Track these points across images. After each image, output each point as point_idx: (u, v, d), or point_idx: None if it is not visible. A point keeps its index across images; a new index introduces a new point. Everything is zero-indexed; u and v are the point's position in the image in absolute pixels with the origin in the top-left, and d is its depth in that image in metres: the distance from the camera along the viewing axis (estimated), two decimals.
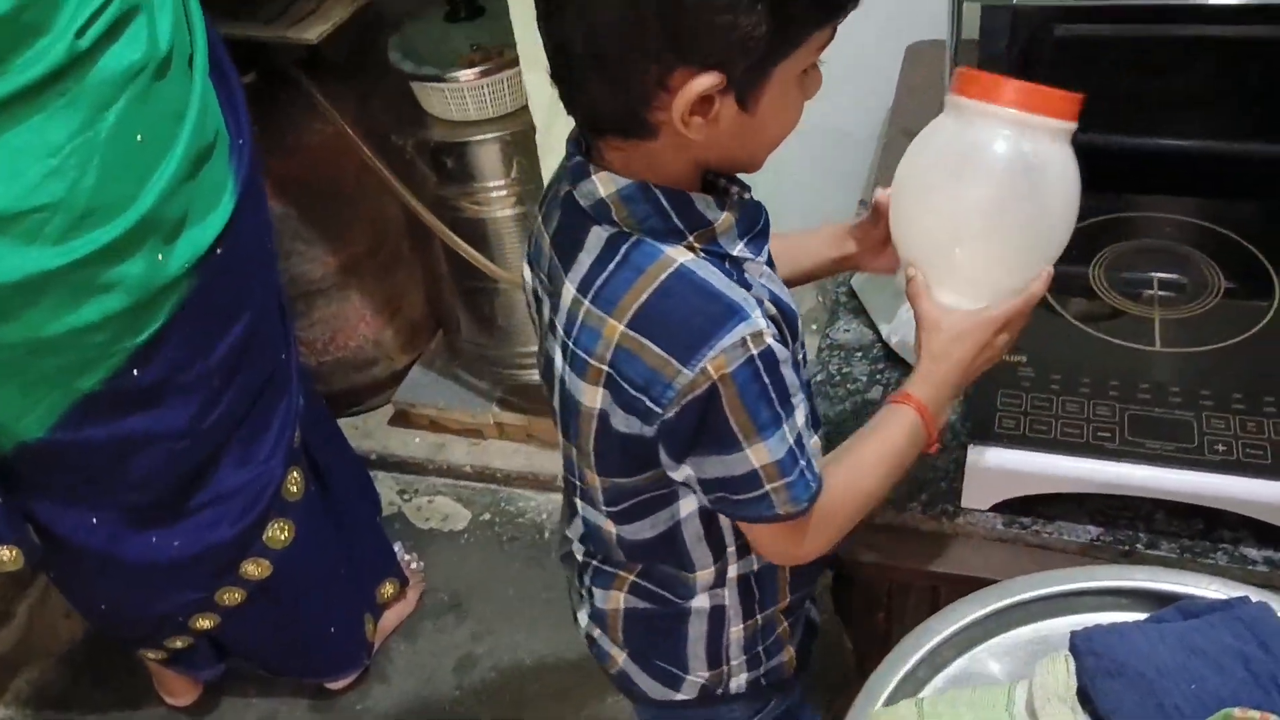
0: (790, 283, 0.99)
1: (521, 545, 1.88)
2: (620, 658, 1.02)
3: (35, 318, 1.11)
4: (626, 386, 0.76)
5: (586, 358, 0.77)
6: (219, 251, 1.22)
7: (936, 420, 0.89)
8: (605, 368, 0.76)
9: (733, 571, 0.94)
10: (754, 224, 0.80)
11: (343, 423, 2.08)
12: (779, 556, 0.91)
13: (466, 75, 1.63)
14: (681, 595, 0.94)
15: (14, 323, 1.11)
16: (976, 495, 1.13)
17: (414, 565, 1.83)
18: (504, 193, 1.75)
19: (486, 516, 1.94)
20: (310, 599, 1.56)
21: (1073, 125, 0.84)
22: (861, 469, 0.87)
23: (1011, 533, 1.12)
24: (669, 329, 0.74)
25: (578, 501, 0.93)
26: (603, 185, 0.75)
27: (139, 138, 1.12)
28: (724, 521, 0.88)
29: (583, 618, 1.04)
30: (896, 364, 1.31)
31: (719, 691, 1.00)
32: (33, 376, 1.17)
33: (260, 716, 1.70)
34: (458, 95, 1.65)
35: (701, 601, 0.94)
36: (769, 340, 0.74)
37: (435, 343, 2.15)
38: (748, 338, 0.73)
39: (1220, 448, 1.06)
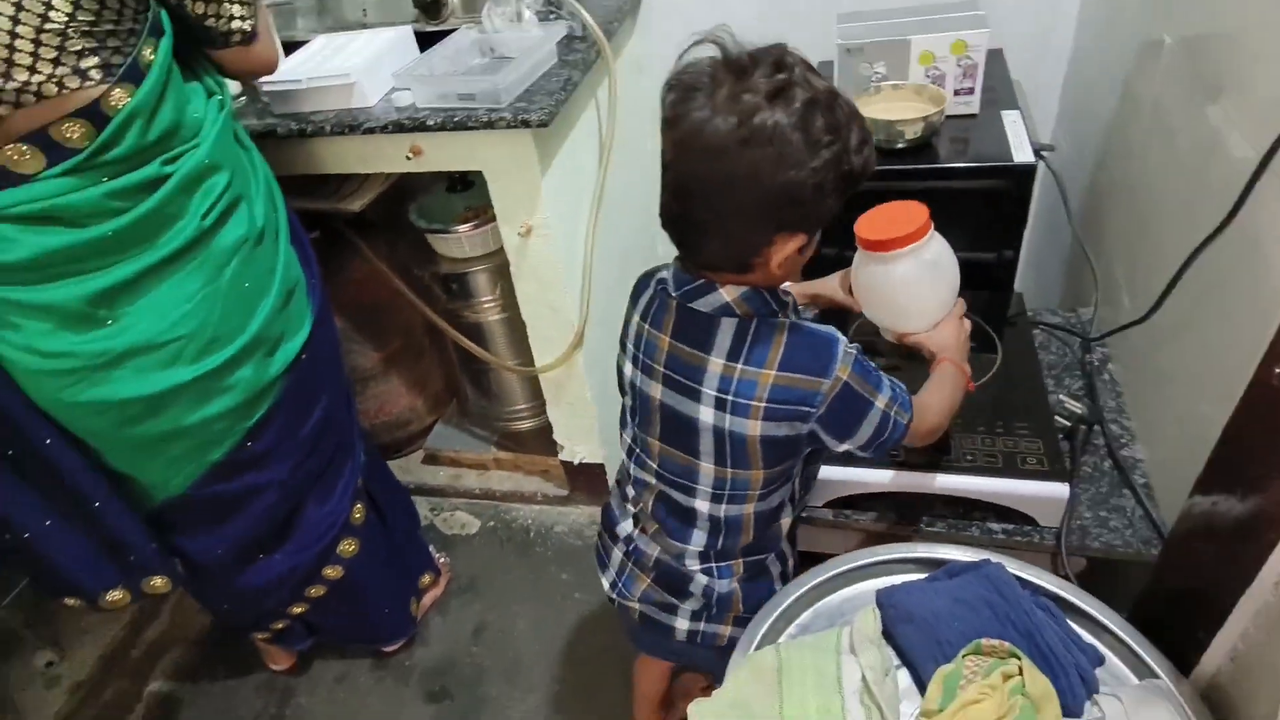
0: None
1: (515, 544, 1.85)
2: (728, 630, 0.97)
3: (176, 413, 1.09)
4: (783, 407, 0.80)
5: (747, 402, 0.80)
6: (304, 357, 1.21)
7: (967, 370, 0.99)
8: (764, 404, 0.80)
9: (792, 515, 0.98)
10: (796, 307, 0.87)
11: (391, 464, 2.05)
12: (920, 437, 0.91)
13: (463, 228, 1.63)
14: (773, 546, 0.96)
15: (161, 418, 1.09)
16: (815, 497, 1.14)
17: (443, 560, 1.79)
18: (492, 304, 1.74)
19: (491, 524, 1.90)
20: (371, 590, 1.51)
21: (931, 232, 1.00)
22: (935, 391, 0.96)
23: (839, 520, 1.14)
24: (802, 363, 0.79)
25: (722, 509, 0.89)
26: (727, 293, 0.79)
27: (246, 285, 1.11)
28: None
29: (682, 624, 0.97)
30: None
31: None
32: (175, 453, 1.14)
33: (337, 674, 1.64)
34: (457, 242, 1.65)
35: (775, 554, 0.97)
36: (853, 345, 0.82)
37: (451, 407, 2.12)
38: (844, 349, 0.80)
39: (969, 457, 1.09)
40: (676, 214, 0.75)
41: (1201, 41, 1.03)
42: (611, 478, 1.74)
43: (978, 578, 0.84)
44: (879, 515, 1.13)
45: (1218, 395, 0.86)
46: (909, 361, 1.16)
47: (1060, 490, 1.04)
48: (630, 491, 0.98)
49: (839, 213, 0.76)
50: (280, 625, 1.48)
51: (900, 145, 1.34)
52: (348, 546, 1.40)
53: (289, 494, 1.28)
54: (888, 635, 0.82)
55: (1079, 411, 1.19)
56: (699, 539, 0.92)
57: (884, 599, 0.85)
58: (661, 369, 0.85)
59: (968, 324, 1.05)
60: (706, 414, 0.83)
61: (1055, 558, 1.06)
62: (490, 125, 1.26)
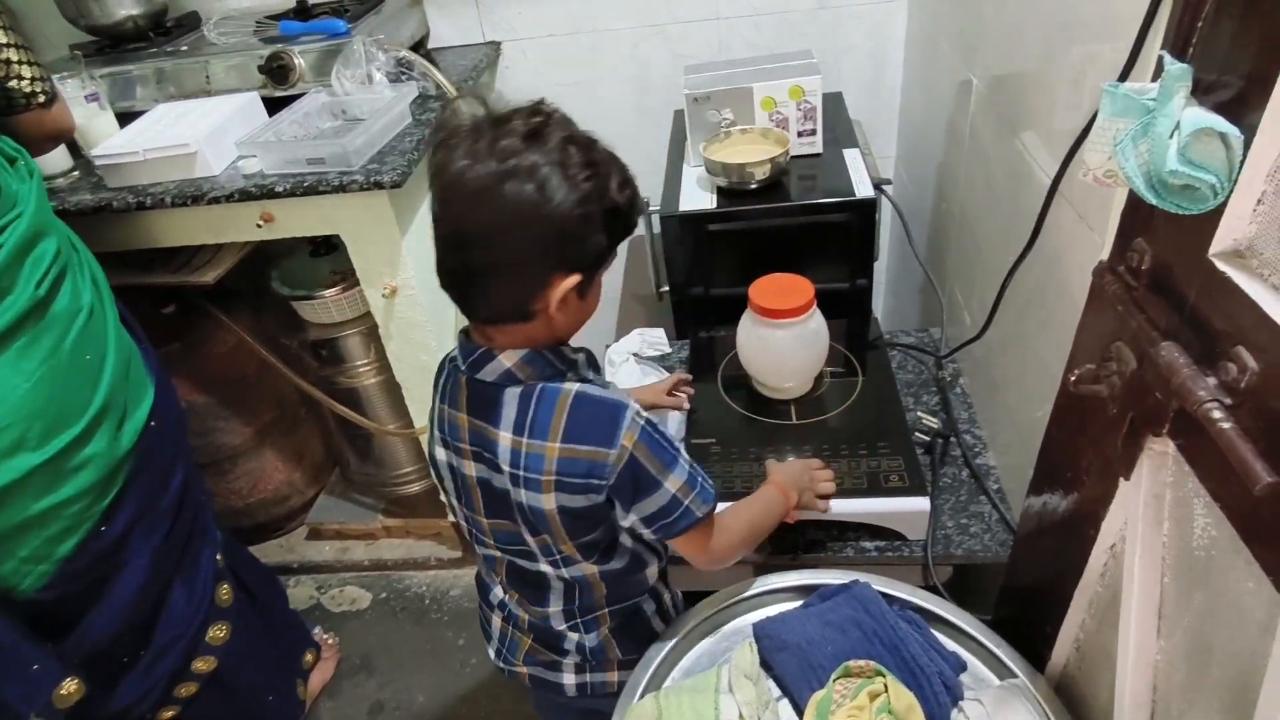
0: None
1: (410, 613, 1.78)
2: (615, 676, 0.94)
3: (25, 502, 1.00)
4: (572, 479, 0.76)
5: (536, 476, 0.77)
6: (153, 425, 1.15)
7: (791, 499, 1.00)
8: (553, 477, 0.77)
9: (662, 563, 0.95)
10: (592, 362, 0.84)
11: (269, 544, 1.95)
12: (702, 557, 0.87)
13: (330, 293, 1.59)
14: (638, 591, 0.93)
15: (9, 509, 1.00)
16: None
17: (330, 640, 1.69)
18: (367, 368, 1.70)
19: (383, 595, 1.83)
20: (249, 678, 1.41)
21: (814, 308, 1.18)
22: (745, 509, 0.94)
23: None
24: (586, 433, 0.76)
25: (564, 572, 0.86)
26: (507, 360, 0.77)
27: (87, 357, 1.05)
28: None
29: (569, 679, 0.95)
30: None
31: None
32: (23, 552, 1.03)
33: None
34: (324, 306, 1.60)
35: (648, 597, 0.95)
36: (643, 412, 0.78)
37: (333, 477, 2.04)
38: (633, 415, 0.76)
39: (838, 481, 1.12)
40: (452, 267, 0.73)
41: (1003, 81, 1.13)
42: None
43: (847, 599, 0.87)
44: (758, 548, 1.15)
45: (1045, 400, 0.92)
46: (780, 417, 1.25)
47: (922, 504, 1.09)
48: (485, 561, 0.96)
49: (610, 249, 0.76)
50: None
51: (753, 186, 1.40)
52: (217, 633, 1.31)
53: (153, 578, 1.19)
54: (767, 666, 0.83)
55: (935, 425, 1.26)
56: (555, 602, 0.90)
57: (760, 631, 0.86)
58: (469, 446, 0.82)
59: (823, 475, 1.08)
60: (510, 488, 0.80)
61: (924, 569, 1.10)
62: (342, 189, 1.24)
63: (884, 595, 0.90)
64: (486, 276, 0.72)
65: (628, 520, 0.81)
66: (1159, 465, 0.61)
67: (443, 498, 0.96)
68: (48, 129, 1.11)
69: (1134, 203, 0.62)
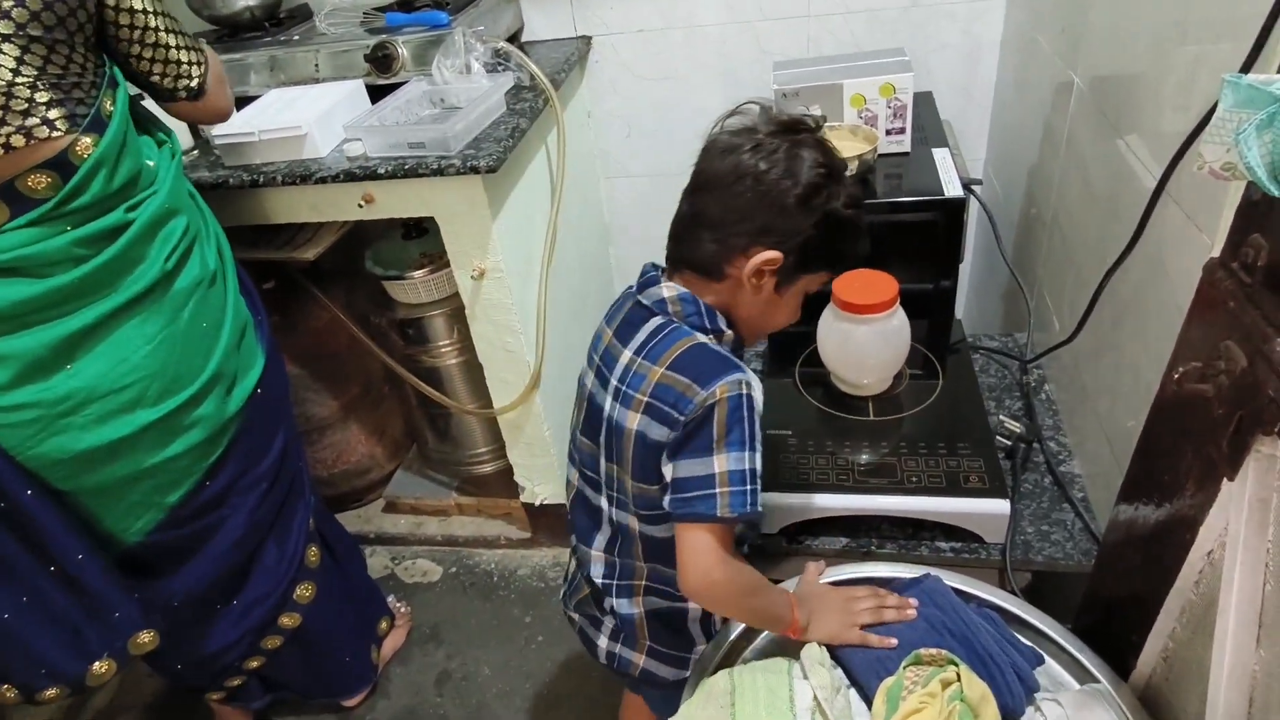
0: None
1: (478, 589, 1.83)
2: (641, 660, 0.95)
3: (139, 455, 1.09)
4: (660, 405, 0.78)
5: (633, 393, 0.80)
6: (259, 392, 1.22)
7: (799, 615, 0.85)
8: (646, 398, 0.79)
9: None
10: (739, 350, 0.87)
11: (348, 514, 2.03)
12: (698, 573, 0.77)
13: (419, 274, 1.65)
14: (681, 598, 0.90)
15: (124, 460, 1.08)
16: (768, 524, 1.16)
17: (403, 609, 1.76)
18: (449, 349, 1.75)
19: (454, 570, 1.88)
20: (330, 637, 1.48)
21: (897, 305, 1.17)
22: (759, 579, 0.84)
23: (794, 547, 1.16)
24: (693, 368, 0.78)
25: (613, 512, 0.87)
26: (667, 290, 0.82)
27: (204, 325, 1.13)
28: None
29: (603, 642, 0.96)
30: None
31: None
32: (134, 498, 1.12)
33: None
34: (413, 287, 1.66)
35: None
36: (756, 392, 0.78)
37: (411, 453, 2.10)
38: (744, 381, 0.77)
39: (914, 479, 1.12)
40: (685, 211, 0.81)
41: (1107, 81, 1.10)
42: None
43: (917, 592, 0.86)
44: (829, 540, 1.15)
45: (1137, 409, 0.90)
46: (858, 413, 1.24)
47: (1002, 507, 1.07)
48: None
49: (818, 251, 0.80)
50: (236, 682, 1.44)
51: None
52: (304, 591, 1.38)
53: (250, 533, 1.27)
54: (836, 658, 0.83)
55: (1018, 430, 1.23)
56: (600, 541, 0.93)
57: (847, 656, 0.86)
58: (599, 360, 0.88)
59: (865, 604, 0.87)
60: (609, 404, 0.84)
61: (1001, 573, 1.08)
62: (440, 172, 1.28)
63: (961, 593, 0.89)
64: (703, 220, 0.79)
65: (666, 470, 0.77)
66: (1267, 467, 0.59)
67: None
68: (200, 117, 1.19)
69: (1251, 198, 0.60)
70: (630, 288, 0.88)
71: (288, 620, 1.38)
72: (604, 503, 0.90)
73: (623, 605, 0.93)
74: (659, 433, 0.79)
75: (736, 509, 0.75)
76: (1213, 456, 0.64)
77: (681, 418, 0.76)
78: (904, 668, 0.76)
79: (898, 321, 1.20)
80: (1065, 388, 1.29)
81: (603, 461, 0.87)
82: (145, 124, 1.12)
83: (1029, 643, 0.85)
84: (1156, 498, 0.76)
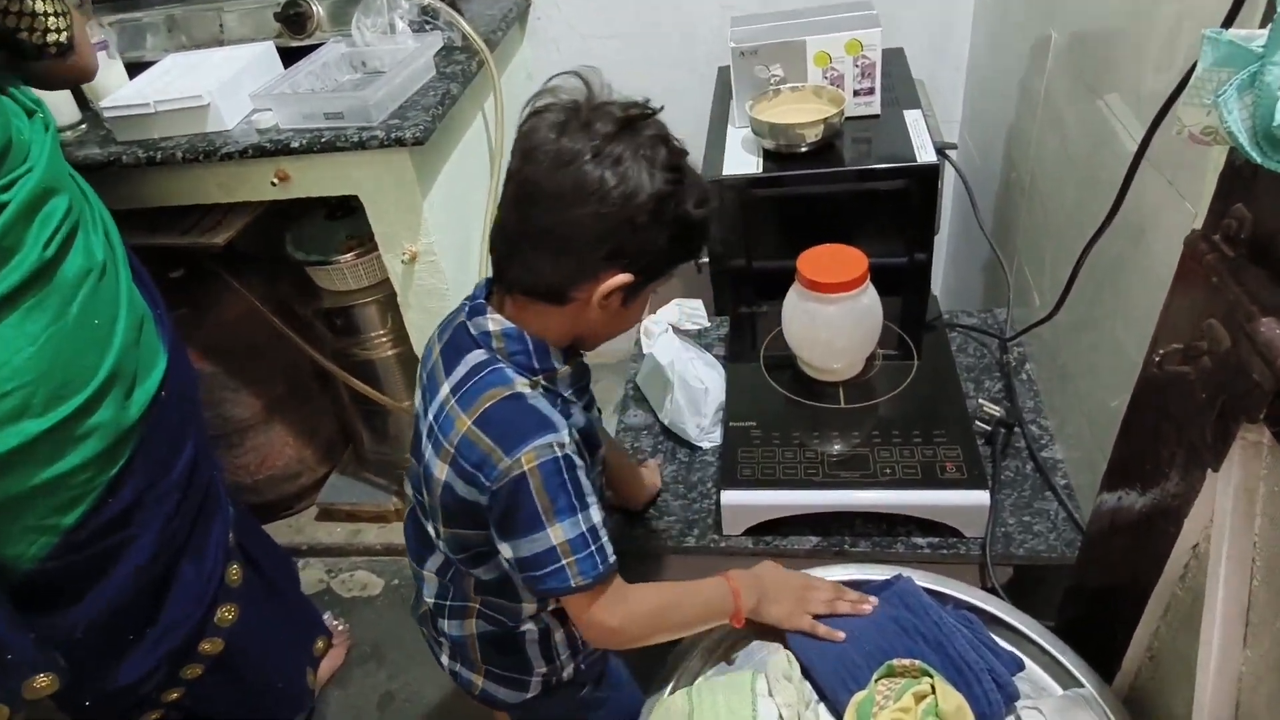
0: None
1: None
2: (480, 680, 0.97)
3: (29, 471, 1.03)
4: (465, 464, 0.77)
5: (442, 440, 0.79)
6: (163, 394, 1.17)
7: (742, 602, 0.87)
8: (453, 450, 0.78)
9: (552, 605, 0.91)
10: (582, 377, 0.86)
11: (278, 523, 1.99)
12: (594, 630, 0.82)
13: (345, 258, 1.61)
14: (514, 620, 0.92)
15: (12, 478, 1.03)
16: (731, 524, 1.16)
17: (340, 627, 1.73)
18: (384, 340, 1.72)
19: (395, 582, 1.86)
20: (258, 661, 1.45)
21: (867, 282, 1.17)
22: (670, 592, 0.86)
23: (759, 548, 1.15)
24: (498, 429, 0.76)
25: (440, 542, 0.89)
26: (493, 323, 0.79)
27: (96, 321, 1.08)
28: None
29: (444, 659, 0.99)
30: (670, 436, 1.34)
31: (554, 680, 0.97)
32: (28, 520, 1.06)
33: None
34: (339, 273, 1.62)
35: (529, 625, 0.92)
36: (570, 450, 0.77)
37: (346, 454, 2.07)
38: (553, 444, 0.75)
39: (888, 471, 1.12)
40: (512, 226, 0.77)
41: (1086, 38, 1.10)
42: None
43: (888, 595, 0.86)
44: (800, 539, 1.15)
45: (1120, 388, 0.91)
46: (827, 400, 1.23)
47: (981, 498, 1.08)
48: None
49: (669, 262, 0.79)
50: (154, 717, 1.40)
51: (803, 149, 1.38)
52: (226, 614, 1.34)
53: (160, 553, 1.22)
54: (805, 671, 0.83)
55: (998, 414, 1.24)
56: (432, 564, 0.93)
57: (794, 636, 0.86)
58: (424, 379, 0.87)
59: (823, 593, 0.90)
60: (424, 439, 0.84)
61: (982, 568, 1.09)
62: (362, 145, 1.25)
63: (935, 594, 0.89)
64: (540, 240, 0.75)
65: (503, 550, 0.79)
66: (1252, 455, 0.59)
67: None
68: (66, 77, 1.13)
69: (1234, 164, 0.60)
70: (464, 304, 0.86)
71: (208, 646, 1.34)
72: (431, 530, 0.90)
73: (453, 627, 0.94)
74: (465, 491, 0.79)
75: (588, 575, 0.77)
76: (1196, 444, 0.64)
77: (489, 484, 0.76)
78: (875, 680, 0.76)
79: (868, 300, 1.19)
80: (1046, 367, 1.31)
81: (425, 493, 0.87)
82: (9, 91, 1.06)
83: (1009, 646, 0.86)
84: (1140, 486, 0.77)
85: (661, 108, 0.78)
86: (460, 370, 0.80)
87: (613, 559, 0.79)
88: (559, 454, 0.75)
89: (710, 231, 0.80)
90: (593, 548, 0.77)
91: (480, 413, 0.77)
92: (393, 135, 1.24)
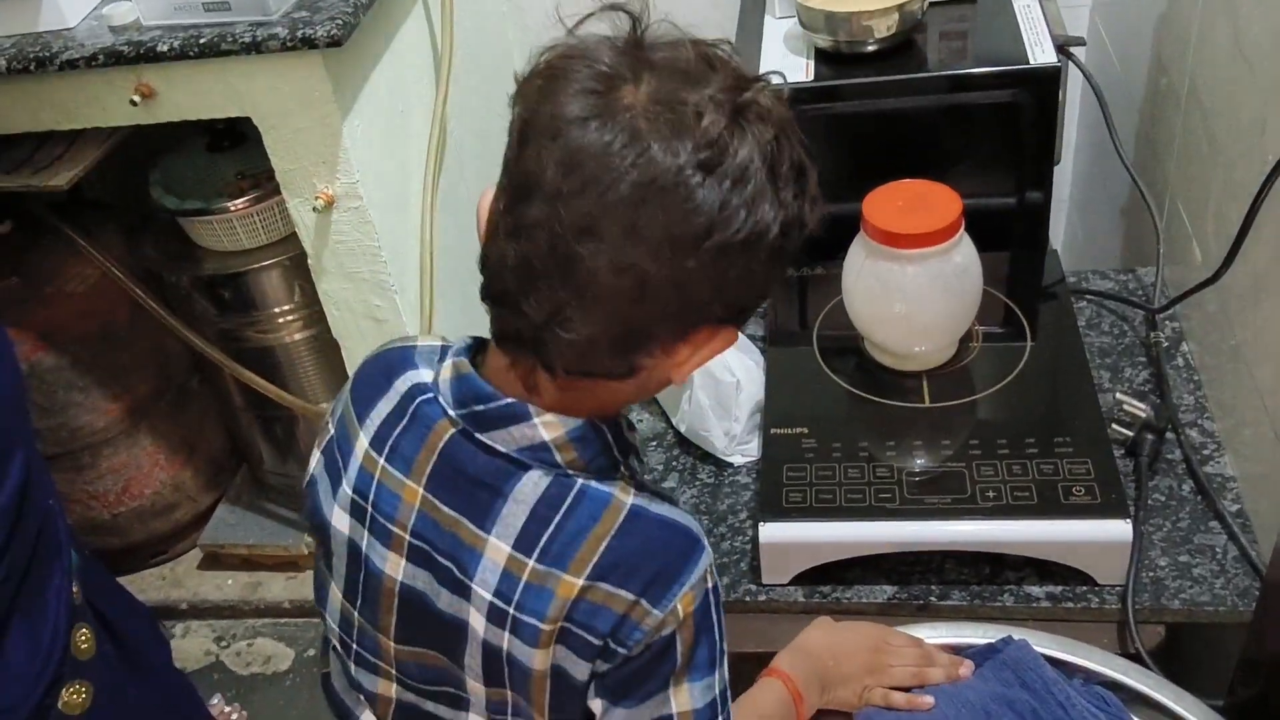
0: None
1: None
2: None
3: None
4: (586, 635, 0.71)
5: (537, 623, 0.72)
6: None
7: (806, 706, 0.88)
8: (559, 625, 0.71)
9: None
10: (634, 435, 0.81)
11: (147, 574, 2.02)
12: None
13: (236, 205, 1.62)
14: None
15: None
16: (775, 570, 1.16)
17: (234, 716, 1.75)
18: (291, 317, 1.73)
19: (311, 652, 1.88)
20: None
21: (963, 230, 1.18)
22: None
23: (814, 602, 1.16)
24: (637, 570, 0.71)
25: None
26: (547, 430, 0.72)
27: None
28: None
29: None
30: (688, 449, 1.35)
31: None
32: None
33: None
34: (227, 226, 1.63)
35: None
36: (715, 568, 0.74)
37: (239, 477, 2.09)
38: (708, 570, 0.73)
39: (991, 494, 1.12)
40: (543, 276, 0.66)
41: None
42: None
43: (994, 667, 0.87)
44: (869, 588, 1.16)
45: None
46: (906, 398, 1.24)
47: (1121, 530, 1.08)
48: (359, 686, 0.91)
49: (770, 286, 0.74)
50: None
51: (870, 47, 1.38)
52: (74, 696, 1.36)
53: None
54: None
55: (1144, 415, 1.24)
56: None
57: (865, 716, 0.87)
58: (407, 536, 0.78)
59: (904, 655, 0.93)
60: (478, 622, 0.76)
61: (1121, 627, 1.10)
62: (256, 48, 1.25)
63: (1055, 662, 0.90)
64: (603, 306, 0.66)
65: (595, 706, 0.75)
66: None
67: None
68: None
69: None
70: (417, 388, 0.79)
71: None
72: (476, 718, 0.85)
73: None
74: (585, 672, 0.73)
75: None
76: None
77: (626, 650, 0.71)
78: None
79: (962, 258, 1.19)
80: (1212, 349, 1.31)
81: (477, 686, 0.80)
82: None
83: None
84: None
85: (766, 77, 0.71)
86: (515, 512, 0.73)
87: None
88: (710, 584, 0.73)
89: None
90: (720, 708, 0.75)
91: (597, 561, 0.71)
92: (299, 34, 1.24)
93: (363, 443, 0.80)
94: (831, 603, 1.15)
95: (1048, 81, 1.33)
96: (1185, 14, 1.35)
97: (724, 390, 1.29)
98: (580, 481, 0.73)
